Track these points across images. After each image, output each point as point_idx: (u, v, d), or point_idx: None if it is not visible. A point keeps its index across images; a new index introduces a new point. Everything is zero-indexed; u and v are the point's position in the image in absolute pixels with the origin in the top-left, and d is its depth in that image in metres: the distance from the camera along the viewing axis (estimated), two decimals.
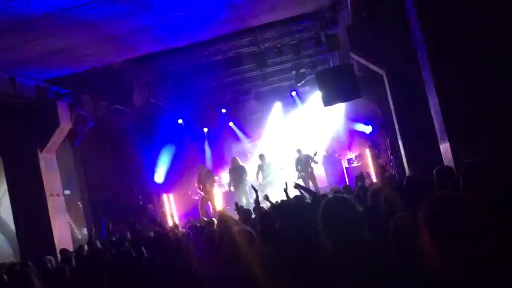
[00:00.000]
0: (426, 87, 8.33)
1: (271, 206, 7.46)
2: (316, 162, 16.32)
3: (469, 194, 3.38)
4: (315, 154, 15.99)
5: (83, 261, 6.18)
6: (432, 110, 8.28)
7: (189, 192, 18.44)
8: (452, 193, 2.44)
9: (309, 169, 16.23)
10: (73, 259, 7.35)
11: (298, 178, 15.85)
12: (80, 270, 5.56)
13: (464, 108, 7.30)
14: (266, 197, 8.17)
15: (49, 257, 7.83)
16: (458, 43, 7.30)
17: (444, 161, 7.85)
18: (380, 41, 11.00)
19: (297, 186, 7.75)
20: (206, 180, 16.03)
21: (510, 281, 2.04)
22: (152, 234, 8.91)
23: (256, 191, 8.67)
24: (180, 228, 10.48)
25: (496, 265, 2.09)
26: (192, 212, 16.99)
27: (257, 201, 8.20)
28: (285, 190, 7.77)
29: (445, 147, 7.81)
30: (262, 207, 8.08)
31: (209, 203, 15.82)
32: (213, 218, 9.76)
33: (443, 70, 7.55)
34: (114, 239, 8.33)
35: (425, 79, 8.28)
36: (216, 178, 17.89)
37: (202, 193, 15.92)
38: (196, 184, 16.30)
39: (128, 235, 8.40)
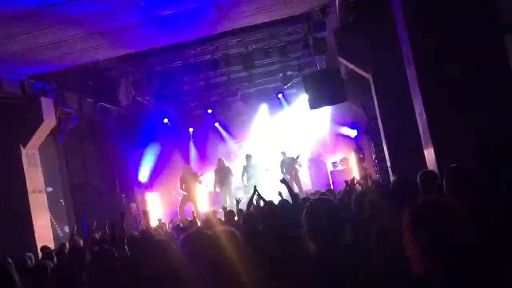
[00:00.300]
0: (411, 91, 8.38)
1: (253, 208, 7.47)
2: (300, 165, 16.38)
3: (452, 198, 3.40)
4: (297, 157, 16.07)
5: (63, 259, 6.12)
6: (417, 115, 8.32)
7: (173, 192, 18.40)
8: (436, 198, 2.45)
9: (294, 172, 16.30)
10: (54, 257, 7.28)
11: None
12: (61, 267, 5.51)
13: (449, 113, 7.34)
14: (237, 202, 8.19)
15: (29, 254, 7.75)
16: (444, 47, 7.35)
17: (428, 165, 7.89)
18: (367, 46, 11.05)
19: (283, 181, 7.72)
20: (190, 180, 15.99)
21: (493, 283, 2.05)
22: (136, 233, 8.85)
23: (259, 195, 8.53)
24: (166, 227, 10.45)
25: (479, 268, 2.10)
26: (176, 212, 16.94)
27: (250, 201, 8.18)
28: (258, 194, 7.77)
29: (429, 152, 7.85)
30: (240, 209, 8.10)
31: (191, 203, 15.77)
32: (195, 219, 9.75)
33: (428, 75, 7.59)
34: (97, 237, 8.27)
35: (410, 84, 8.32)
36: (201, 178, 17.97)
37: (185, 192, 15.89)
38: (178, 183, 16.26)
39: (109, 234, 8.33)
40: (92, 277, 4.45)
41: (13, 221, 11.70)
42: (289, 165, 16.32)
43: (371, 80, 11.65)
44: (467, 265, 2.13)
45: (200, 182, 16.40)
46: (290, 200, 6.87)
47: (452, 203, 2.33)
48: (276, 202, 7.25)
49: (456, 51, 7.28)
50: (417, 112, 8.26)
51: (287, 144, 17.75)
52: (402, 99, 9.50)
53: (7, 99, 11.84)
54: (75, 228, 8.59)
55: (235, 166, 18.05)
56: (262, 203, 8.20)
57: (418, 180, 4.59)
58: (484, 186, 3.45)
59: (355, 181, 9.25)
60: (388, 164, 11.45)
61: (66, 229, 16.07)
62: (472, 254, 2.15)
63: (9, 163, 11.90)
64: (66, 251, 7.40)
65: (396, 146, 10.94)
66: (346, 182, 8.75)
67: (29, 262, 6.81)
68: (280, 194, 7.96)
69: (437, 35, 7.41)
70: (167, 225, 11.78)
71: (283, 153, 16.68)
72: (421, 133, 8.24)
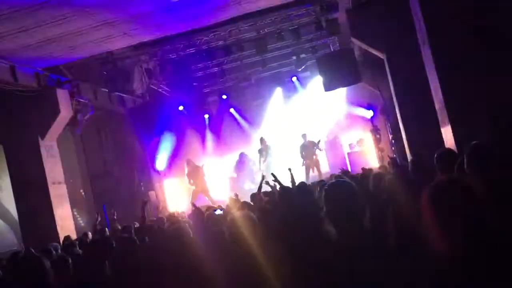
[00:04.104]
0: (426, 70, 8.31)
1: (269, 192, 7.48)
2: (320, 150, 16.22)
3: (473, 176, 3.37)
4: (318, 142, 15.88)
5: (88, 248, 6.19)
6: (433, 93, 8.26)
7: (191, 180, 18.51)
8: (456, 177, 2.44)
9: (314, 156, 16.12)
10: (77, 246, 7.37)
11: (303, 164, 15.82)
12: (85, 257, 5.58)
13: (465, 91, 7.29)
14: (267, 182, 8.14)
15: (55, 244, 7.85)
16: (459, 25, 7.26)
17: (445, 144, 7.85)
18: (380, 25, 10.96)
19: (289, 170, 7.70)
20: (195, 174, 16.16)
21: None
22: (154, 220, 8.93)
23: (263, 177, 8.63)
24: (185, 215, 10.50)
25: (499, 246, 2.09)
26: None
27: (259, 188, 8.23)
28: (275, 180, 7.74)
29: (446, 130, 7.81)
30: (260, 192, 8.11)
31: (203, 194, 15.93)
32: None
33: (443, 53, 7.52)
34: (118, 227, 8.35)
35: (425, 62, 8.25)
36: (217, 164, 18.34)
37: (193, 187, 16.07)
38: (187, 180, 16.42)
39: (136, 223, 8.41)
40: (115, 267, 4.50)
41: (35, 212, 11.87)
42: (309, 149, 16.11)
43: (385, 60, 11.56)
44: (488, 243, 2.12)
45: (204, 174, 16.60)
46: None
47: (472, 181, 2.32)
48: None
49: (471, 28, 7.20)
50: (433, 90, 8.20)
51: (302, 128, 17.64)
52: (417, 78, 9.42)
53: (23, 92, 11.95)
54: (98, 218, 8.66)
55: (252, 151, 18.23)
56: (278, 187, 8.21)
57: (436, 158, 4.55)
58: (505, 163, 3.41)
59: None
60: (406, 143, 11.38)
61: (87, 219, 16.25)
62: (492, 232, 2.14)
63: (28, 156, 12.04)
64: (89, 240, 7.51)
65: (413, 125, 10.87)
66: (363, 169, 8.70)
67: (54, 252, 6.90)
68: (267, 182, 7.93)
69: (452, 13, 7.33)
70: (185, 213, 11.86)
71: (304, 136, 16.39)
72: (437, 111, 8.19)
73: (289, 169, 7.82)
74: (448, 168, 4.17)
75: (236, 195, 8.52)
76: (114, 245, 4.89)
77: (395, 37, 10.70)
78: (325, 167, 17.20)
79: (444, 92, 7.57)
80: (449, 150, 5.48)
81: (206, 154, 19.80)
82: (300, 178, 14.46)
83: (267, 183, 8.11)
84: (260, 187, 8.31)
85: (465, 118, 7.24)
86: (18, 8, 8.44)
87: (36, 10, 8.66)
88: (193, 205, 8.57)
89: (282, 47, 15.96)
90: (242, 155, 18.47)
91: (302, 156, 16.10)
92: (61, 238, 10.27)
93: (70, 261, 4.97)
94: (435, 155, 4.61)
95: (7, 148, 12.47)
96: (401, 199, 4.01)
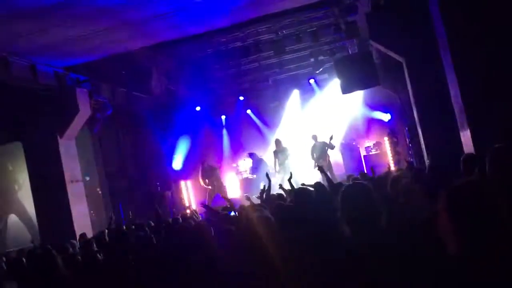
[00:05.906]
0: (446, 74, 8.25)
1: (286, 193, 7.46)
2: (332, 148, 16.02)
3: (494, 180, 3.34)
4: (331, 138, 15.64)
5: (106, 246, 6.23)
6: (452, 97, 8.20)
7: (206, 181, 18.54)
8: (474, 180, 2.41)
9: (327, 157, 15.96)
10: (94, 244, 7.42)
11: (315, 167, 15.66)
12: (106, 255, 5.61)
13: (484, 95, 7.23)
14: (281, 186, 8.13)
15: (73, 241, 7.90)
16: (479, 29, 7.20)
17: (464, 148, 7.78)
18: (400, 29, 10.89)
19: (320, 169, 7.74)
20: (210, 175, 16.19)
21: None
22: (170, 220, 8.95)
23: (269, 180, 8.63)
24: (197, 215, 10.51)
25: None
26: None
27: (268, 189, 8.21)
28: (289, 180, 7.72)
29: (465, 134, 7.74)
30: (273, 194, 8.09)
31: (219, 194, 15.98)
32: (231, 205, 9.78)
33: (463, 56, 7.47)
34: (133, 226, 8.39)
35: (445, 65, 8.19)
36: (234, 165, 18.18)
37: (210, 187, 16.09)
38: (201, 181, 16.43)
39: (151, 222, 8.45)
40: (133, 264, 4.52)
41: (52, 210, 12.00)
42: (321, 150, 15.98)
43: (404, 63, 11.49)
44: (504, 248, 2.10)
45: (219, 174, 16.64)
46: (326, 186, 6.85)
47: (492, 184, 2.30)
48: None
49: (491, 32, 7.14)
50: (452, 95, 8.14)
51: (319, 130, 17.51)
52: (436, 81, 9.37)
53: (43, 91, 12.09)
54: (113, 216, 8.70)
55: (268, 153, 18.21)
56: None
57: (461, 163, 4.53)
58: None
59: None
60: (423, 147, 11.30)
61: (103, 217, 16.35)
62: (509, 237, 2.12)
63: (47, 154, 12.17)
64: (106, 239, 7.55)
65: (431, 129, 10.79)
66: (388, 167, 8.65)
67: (71, 249, 6.96)
68: (280, 186, 7.95)
69: (472, 18, 7.28)
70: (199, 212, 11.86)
71: (314, 137, 16.28)
72: (456, 115, 8.13)
73: (289, 180, 7.81)
74: (471, 172, 4.15)
75: (248, 198, 8.48)
76: (132, 242, 4.92)
77: (414, 41, 10.63)
78: (341, 169, 17.13)
79: (463, 96, 7.51)
80: (473, 154, 5.46)
81: (223, 155, 19.85)
82: (315, 179, 14.43)
83: (280, 186, 8.11)
84: (269, 188, 8.30)
85: (484, 123, 7.18)
86: (37, 7, 8.52)
87: (56, 9, 8.73)
88: (204, 205, 8.56)
89: (300, 49, 15.92)
90: (252, 155, 18.37)
91: (313, 158, 15.96)
92: (78, 236, 10.36)
93: (80, 258, 5.00)
94: (461, 160, 4.59)
95: (26, 146, 12.61)
96: (418, 203, 3.99)
